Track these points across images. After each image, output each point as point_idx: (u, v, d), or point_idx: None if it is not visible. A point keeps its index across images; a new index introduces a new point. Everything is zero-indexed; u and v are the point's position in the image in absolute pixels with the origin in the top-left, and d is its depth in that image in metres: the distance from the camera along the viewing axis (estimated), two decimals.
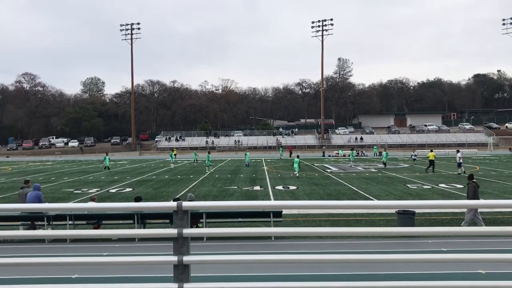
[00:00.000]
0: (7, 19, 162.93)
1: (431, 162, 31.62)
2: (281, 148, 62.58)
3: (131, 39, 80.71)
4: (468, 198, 13.30)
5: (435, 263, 7.94)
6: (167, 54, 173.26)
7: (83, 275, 8.03)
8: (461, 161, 30.50)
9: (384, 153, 37.77)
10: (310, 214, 14.79)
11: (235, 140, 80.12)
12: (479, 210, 12.87)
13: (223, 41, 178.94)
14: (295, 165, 29.44)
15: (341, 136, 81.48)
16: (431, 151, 34.90)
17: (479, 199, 12.95)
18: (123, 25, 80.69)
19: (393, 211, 13.17)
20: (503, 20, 77.31)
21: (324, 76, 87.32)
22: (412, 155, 44.27)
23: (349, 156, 42.48)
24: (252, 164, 42.68)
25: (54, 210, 12.64)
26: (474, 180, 13.44)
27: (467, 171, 31.59)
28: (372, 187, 22.87)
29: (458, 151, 31.76)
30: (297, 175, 29.21)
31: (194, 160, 49.65)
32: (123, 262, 4.49)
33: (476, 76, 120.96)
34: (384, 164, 36.09)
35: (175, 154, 45.25)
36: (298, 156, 31.89)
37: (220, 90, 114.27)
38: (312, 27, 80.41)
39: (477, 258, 4.29)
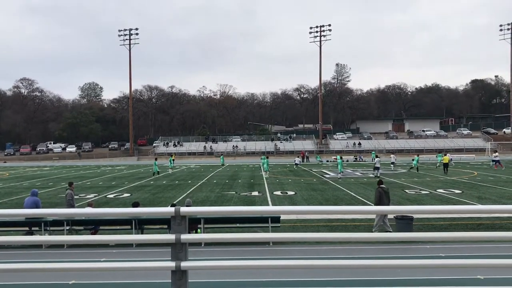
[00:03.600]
0: (4, 25, 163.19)
1: (445, 165, 34.80)
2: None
3: (129, 44, 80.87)
4: (374, 203, 13.37)
5: (433, 269, 7.93)
6: (165, 60, 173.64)
7: (81, 281, 7.99)
8: (378, 165, 33.11)
9: (415, 157, 38.71)
10: (308, 220, 14.77)
11: (233, 146, 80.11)
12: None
13: (221, 46, 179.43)
14: (339, 167, 32.04)
15: (339, 141, 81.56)
16: (445, 154, 37.86)
17: (386, 205, 12.68)
18: (121, 30, 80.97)
19: (391, 216, 13.16)
20: (500, 26, 77.87)
21: (322, 82, 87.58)
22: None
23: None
24: (250, 170, 42.67)
25: (52, 215, 12.69)
26: (382, 185, 13.38)
27: (466, 176, 31.65)
28: (370, 192, 22.81)
29: (377, 156, 35.50)
30: (339, 176, 31.72)
31: (222, 164, 51.04)
32: (120, 268, 4.47)
33: (474, 82, 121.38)
34: (417, 169, 37.00)
35: (173, 160, 45.27)
36: (341, 157, 33.98)
37: (218, 96, 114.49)
38: (310, 32, 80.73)
39: (476, 263, 4.29)
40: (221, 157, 55.22)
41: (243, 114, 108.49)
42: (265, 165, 36.22)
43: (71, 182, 15.30)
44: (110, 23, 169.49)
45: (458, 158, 60.05)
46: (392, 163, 43.97)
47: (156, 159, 39.33)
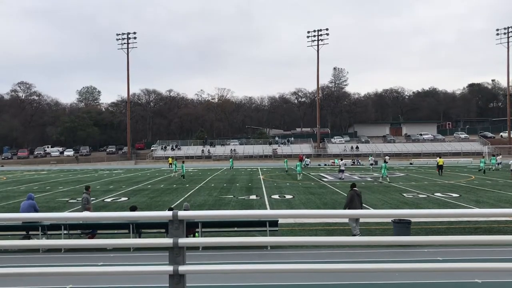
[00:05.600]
0: (2, 28, 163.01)
1: (440, 167, 36.91)
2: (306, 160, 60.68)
3: (127, 48, 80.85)
4: (345, 205, 13.59)
5: (431, 272, 7.93)
6: (163, 64, 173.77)
7: (78, 285, 7.97)
8: (343, 168, 34.91)
9: (482, 159, 39.45)
10: (306, 223, 14.77)
11: (231, 149, 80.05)
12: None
13: (219, 50, 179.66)
14: (383, 170, 31.14)
15: (337, 145, 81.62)
16: (440, 157, 40.38)
17: (358, 208, 12.94)
18: (119, 34, 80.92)
19: (389, 220, 13.17)
20: (497, 30, 78.20)
21: (319, 85, 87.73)
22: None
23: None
24: (248, 173, 42.67)
25: (49, 219, 12.65)
26: (355, 189, 13.62)
27: (464, 180, 31.70)
28: (368, 196, 22.84)
29: (341, 159, 38.07)
30: (385, 180, 30.79)
31: (230, 167, 52.24)
32: (118, 272, 4.46)
33: (471, 86, 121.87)
34: (484, 171, 37.49)
35: (175, 164, 45.09)
36: (385, 161, 33.43)
37: (216, 99, 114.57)
38: (308, 36, 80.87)
39: (473, 267, 4.30)
40: (231, 160, 56.33)
41: (241, 117, 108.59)
42: (298, 168, 36.24)
43: (88, 185, 15.26)
44: (108, 27, 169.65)
45: (456, 162, 60.19)
46: (371, 164, 45.00)
47: (183, 161, 39.38)
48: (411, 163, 59.54)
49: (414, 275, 7.97)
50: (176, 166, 41.44)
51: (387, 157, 35.26)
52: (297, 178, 34.63)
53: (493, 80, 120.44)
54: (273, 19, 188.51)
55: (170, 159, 60.04)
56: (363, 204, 19.64)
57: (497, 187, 26.49)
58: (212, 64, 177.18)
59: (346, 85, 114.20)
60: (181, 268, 4.08)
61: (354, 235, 12.57)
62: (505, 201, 20.42)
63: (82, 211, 13.79)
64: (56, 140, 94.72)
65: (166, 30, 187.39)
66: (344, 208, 13.38)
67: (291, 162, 65.59)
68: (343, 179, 33.24)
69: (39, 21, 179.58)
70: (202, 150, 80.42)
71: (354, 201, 13.10)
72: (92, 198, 23.41)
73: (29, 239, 12.41)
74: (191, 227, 12.02)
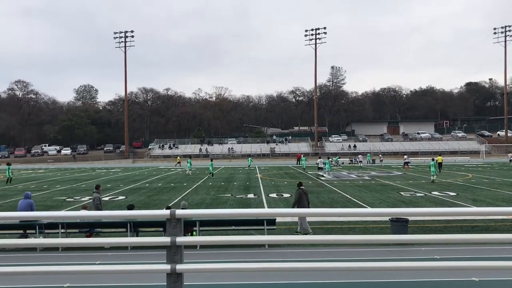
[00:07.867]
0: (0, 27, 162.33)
1: (439, 164, 37.66)
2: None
3: (125, 47, 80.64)
4: (293, 203, 13.98)
5: (428, 271, 7.95)
6: (161, 62, 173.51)
7: (75, 284, 7.95)
8: (321, 165, 37.52)
9: None
10: None
11: (229, 148, 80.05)
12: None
13: (216, 49, 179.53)
14: (432, 169, 29.98)
15: (335, 143, 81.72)
16: (440, 155, 42.30)
17: (305, 207, 13.45)
18: (117, 33, 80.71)
19: (386, 218, 13.18)
20: (494, 29, 78.47)
21: (317, 84, 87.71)
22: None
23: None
24: (246, 172, 42.67)
25: (46, 218, 12.63)
26: (302, 187, 14.04)
27: (461, 178, 31.77)
28: (365, 194, 22.89)
29: (319, 157, 40.59)
30: (433, 179, 29.72)
31: (248, 166, 53.11)
32: (115, 271, 4.46)
33: (468, 84, 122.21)
34: None
35: (179, 162, 45.26)
36: (433, 159, 33.04)
37: (213, 98, 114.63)
38: (306, 35, 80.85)
39: (470, 265, 4.30)
40: (250, 159, 56.51)
41: (239, 116, 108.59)
42: (327, 166, 38.03)
43: (98, 184, 15.25)
44: (106, 26, 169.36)
45: (453, 161, 60.28)
46: (361, 161, 46.75)
47: (211, 159, 39.47)
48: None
49: (411, 274, 7.98)
50: (191, 164, 41.42)
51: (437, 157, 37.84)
52: (323, 175, 35.74)
53: (490, 79, 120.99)
54: (271, 18, 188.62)
55: (178, 158, 61.00)
56: (362, 204, 19.79)
57: (494, 185, 26.55)
58: (210, 63, 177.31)
59: (343, 83, 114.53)
60: (179, 266, 4.08)
61: (308, 233, 12.99)
62: (502, 199, 20.47)
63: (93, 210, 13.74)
64: (53, 138, 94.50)
65: (164, 28, 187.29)
66: (293, 207, 13.90)
67: (291, 160, 65.79)
68: (322, 176, 34.76)
69: (36, 19, 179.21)
70: (200, 149, 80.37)
71: (302, 200, 13.55)
72: (91, 197, 23.46)
73: (26, 237, 12.38)
74: (189, 226, 12.01)
